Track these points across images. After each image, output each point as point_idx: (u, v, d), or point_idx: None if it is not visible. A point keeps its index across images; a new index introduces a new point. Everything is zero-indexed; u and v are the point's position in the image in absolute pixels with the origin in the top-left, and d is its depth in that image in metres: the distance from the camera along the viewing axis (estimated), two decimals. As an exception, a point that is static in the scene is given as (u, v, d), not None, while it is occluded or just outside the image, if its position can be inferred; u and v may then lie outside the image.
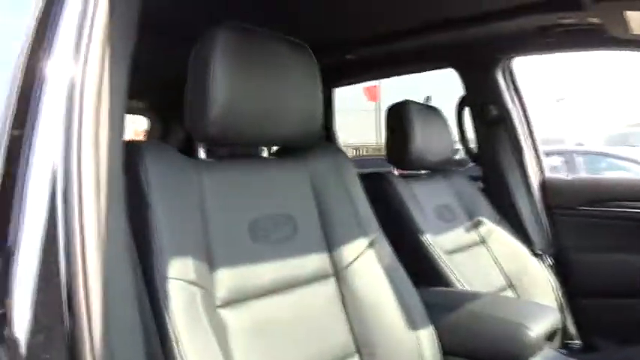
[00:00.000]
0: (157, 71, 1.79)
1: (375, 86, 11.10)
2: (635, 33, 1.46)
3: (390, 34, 1.79)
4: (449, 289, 1.49)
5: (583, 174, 5.65)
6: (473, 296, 1.30)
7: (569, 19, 1.55)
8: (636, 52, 1.58)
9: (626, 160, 6.44)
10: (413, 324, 1.13)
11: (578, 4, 1.42)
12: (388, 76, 2.32)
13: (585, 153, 7.06)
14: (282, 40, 1.10)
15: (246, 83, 1.00)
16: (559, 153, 6.56)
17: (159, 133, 2.69)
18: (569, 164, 6.24)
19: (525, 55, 1.91)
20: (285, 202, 1.12)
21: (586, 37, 1.59)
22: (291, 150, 1.21)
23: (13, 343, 0.62)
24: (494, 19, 1.62)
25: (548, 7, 1.52)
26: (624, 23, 1.44)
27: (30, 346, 0.62)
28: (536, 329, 1.14)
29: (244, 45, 1.01)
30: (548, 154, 6.22)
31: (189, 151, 1.06)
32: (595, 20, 1.49)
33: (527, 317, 1.17)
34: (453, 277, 1.53)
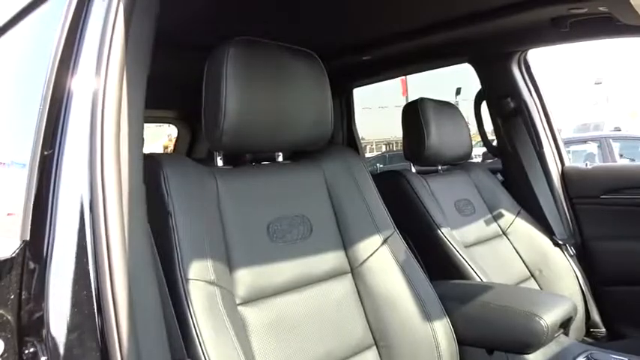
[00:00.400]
0: (183, 82, 1.89)
1: (403, 80, 11.05)
2: (645, 20, 1.46)
3: (404, 33, 1.83)
4: (464, 281, 1.52)
5: (619, 161, 5.52)
6: (487, 288, 1.33)
7: (580, 9, 1.55)
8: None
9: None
10: (428, 316, 1.17)
11: None
12: (406, 74, 2.35)
13: (622, 138, 6.88)
14: (290, 50, 1.15)
15: (257, 94, 1.06)
16: (594, 139, 6.42)
17: (187, 141, 2.78)
18: (606, 150, 6.10)
19: (539, 46, 1.91)
20: (300, 204, 1.18)
21: (598, 26, 1.59)
22: (305, 153, 1.27)
23: (50, 341, 0.70)
24: (507, 13, 1.64)
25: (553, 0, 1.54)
26: (632, 11, 1.44)
27: (65, 343, 0.69)
28: (549, 318, 1.16)
29: (254, 57, 1.07)
30: (584, 141, 6.09)
31: (209, 159, 1.14)
32: (605, 9, 1.49)
33: (539, 307, 1.20)
34: (471, 270, 1.56)
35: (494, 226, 1.87)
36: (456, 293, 1.30)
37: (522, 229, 1.88)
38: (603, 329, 1.76)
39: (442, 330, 1.17)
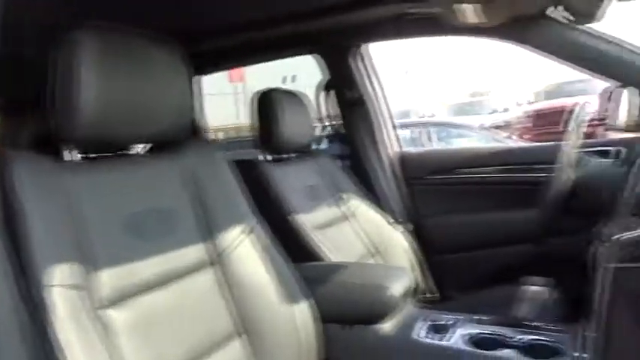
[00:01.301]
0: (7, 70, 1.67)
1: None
2: (468, 22, 1.66)
3: (251, 22, 1.84)
4: (323, 262, 1.61)
5: (435, 146, 6.23)
6: (343, 267, 1.42)
7: (417, 9, 1.72)
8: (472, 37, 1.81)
9: (468, 128, 7.19)
10: (292, 298, 1.22)
11: None
12: (254, 63, 2.36)
13: (437, 124, 7.75)
14: (147, 36, 1.09)
15: (113, 82, 0.99)
16: (415, 125, 7.14)
17: (12, 130, 2.47)
18: (425, 136, 6.81)
19: (380, 40, 2.07)
20: (161, 198, 1.13)
21: (432, 24, 1.77)
22: (165, 145, 1.22)
23: None
24: (352, 9, 1.74)
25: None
26: (459, 14, 1.64)
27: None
28: (395, 289, 1.29)
29: (108, 44, 1.00)
30: (407, 126, 6.72)
31: (50, 151, 1.04)
32: (439, 10, 1.67)
33: (387, 279, 1.31)
34: (324, 252, 1.65)
35: (340, 210, 1.98)
36: (317, 275, 1.36)
37: (365, 211, 2.03)
38: (438, 294, 2.00)
39: (305, 310, 1.23)
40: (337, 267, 1.43)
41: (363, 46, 2.12)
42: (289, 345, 1.19)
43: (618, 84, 1.62)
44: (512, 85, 18.05)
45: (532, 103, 12.88)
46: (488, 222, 2.02)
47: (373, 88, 2.16)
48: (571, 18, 1.72)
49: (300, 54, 2.18)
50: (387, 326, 1.30)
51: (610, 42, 1.65)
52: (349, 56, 2.10)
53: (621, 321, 0.99)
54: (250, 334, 1.19)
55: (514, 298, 1.39)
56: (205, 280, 1.17)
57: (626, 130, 1.57)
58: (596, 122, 1.82)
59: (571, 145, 1.50)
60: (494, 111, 13.24)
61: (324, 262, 1.62)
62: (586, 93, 11.35)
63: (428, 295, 1.98)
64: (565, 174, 1.48)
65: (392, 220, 2.02)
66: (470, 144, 6.36)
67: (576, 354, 1.12)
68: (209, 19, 1.84)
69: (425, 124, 7.03)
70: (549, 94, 12.40)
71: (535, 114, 11.74)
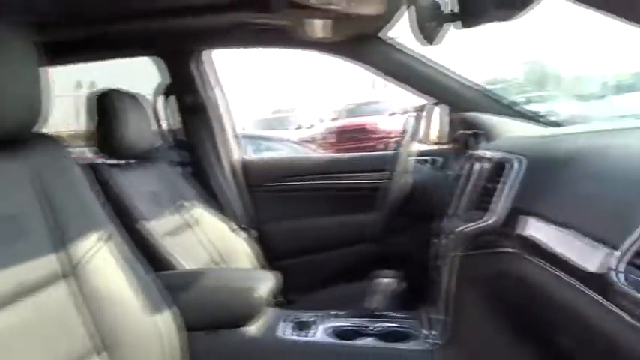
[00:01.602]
0: None
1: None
2: (314, 36, 1.77)
3: (95, 16, 1.70)
4: (183, 270, 1.55)
5: (275, 155, 6.36)
6: (204, 273, 1.39)
7: (262, 19, 1.76)
8: (315, 52, 1.92)
9: (280, 141, 7.52)
10: (154, 309, 1.15)
11: (269, 7, 1.64)
12: (99, 59, 2.16)
13: (248, 137, 7.95)
14: None
15: None
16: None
17: None
18: (242, 147, 6.92)
19: (224, 48, 2.08)
20: (5, 203, 0.99)
21: (277, 36, 1.84)
22: (7, 146, 1.07)
23: None
24: (196, 13, 1.72)
25: (242, 7, 1.70)
26: (306, 28, 1.74)
27: None
28: (261, 290, 1.31)
29: None
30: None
31: None
32: (284, 22, 1.74)
33: (252, 281, 1.33)
34: (177, 259, 1.59)
35: (184, 218, 1.93)
36: (179, 282, 1.32)
37: (210, 218, 2.00)
38: (282, 298, 2.05)
39: (169, 321, 1.18)
40: (199, 273, 1.39)
41: (206, 52, 2.10)
42: (153, 357, 1.13)
43: (433, 101, 1.89)
44: (314, 103, 19.32)
45: (335, 120, 13.99)
46: (329, 226, 2.14)
47: (215, 95, 2.15)
48: (398, 41, 1.95)
49: (141, 55, 2.07)
50: (252, 328, 1.31)
51: (428, 65, 1.92)
52: (191, 61, 2.06)
53: (467, 302, 1.16)
54: (111, 349, 1.09)
55: (366, 292, 1.51)
56: (59, 294, 1.04)
57: (438, 142, 1.83)
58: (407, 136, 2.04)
59: (406, 153, 1.69)
60: (300, 127, 14.02)
61: (182, 269, 1.56)
62: (380, 113, 12.84)
63: (273, 300, 2.02)
64: (403, 179, 1.66)
65: (235, 227, 2.03)
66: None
67: (427, 335, 1.27)
68: (55, 8, 1.65)
69: (237, 137, 7.14)
70: (350, 113, 13.64)
71: (338, 130, 12.81)
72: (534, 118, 1.86)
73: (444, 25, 1.12)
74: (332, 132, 12.92)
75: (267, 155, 6.71)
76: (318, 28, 1.70)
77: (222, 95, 2.18)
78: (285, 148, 7.29)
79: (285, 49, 1.95)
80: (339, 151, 10.80)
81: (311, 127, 14.41)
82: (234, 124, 2.24)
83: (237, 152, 2.23)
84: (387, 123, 12.69)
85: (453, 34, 1.19)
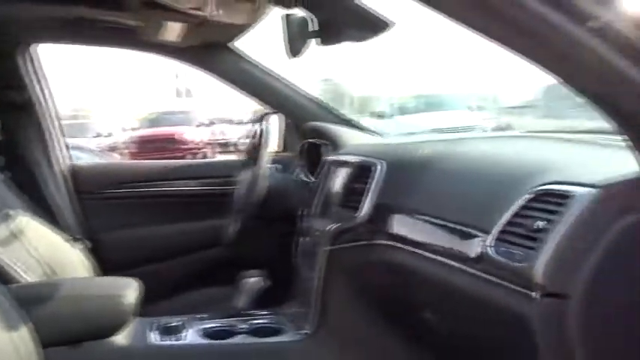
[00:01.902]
0: None
1: None
2: (165, 40, 1.74)
3: None
4: (39, 282, 1.39)
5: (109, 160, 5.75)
6: (61, 283, 1.28)
7: (110, 17, 1.67)
8: (160, 56, 1.88)
9: (79, 149, 6.97)
10: (8, 325, 1.03)
11: (121, 6, 1.57)
12: None
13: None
14: None
15: None
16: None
17: None
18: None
19: (54, 42, 1.90)
20: None
21: (120, 35, 1.76)
22: None
23: None
24: (21, 1, 1.56)
25: (90, 2, 1.60)
26: (158, 31, 1.70)
27: None
28: (130, 297, 1.25)
29: None
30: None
31: None
32: (135, 23, 1.68)
33: (118, 289, 1.27)
34: (17, 272, 1.42)
35: (9, 228, 1.71)
36: (33, 295, 1.19)
37: (36, 228, 1.81)
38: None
39: (25, 337, 1.07)
40: (55, 284, 1.27)
41: (34, 47, 1.89)
42: None
43: (273, 110, 2.00)
44: (114, 109, 18.14)
45: (136, 129, 13.36)
46: (172, 233, 2.07)
47: (43, 94, 1.94)
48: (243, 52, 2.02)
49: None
50: (120, 338, 1.25)
51: (273, 76, 2.03)
52: (13, 55, 1.84)
53: (335, 292, 1.28)
54: None
55: (231, 294, 1.52)
56: None
57: (277, 149, 1.95)
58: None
59: (261, 160, 1.75)
60: (99, 134, 13.09)
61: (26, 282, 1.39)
62: (186, 123, 12.65)
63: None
64: (257, 185, 1.72)
65: (68, 237, 1.86)
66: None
67: (295, 327, 1.36)
68: None
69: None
70: (153, 122, 13.17)
71: (141, 139, 12.27)
72: (362, 128, 2.07)
73: (308, 41, 1.22)
74: (134, 141, 12.33)
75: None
76: (171, 31, 1.67)
77: (49, 94, 1.98)
78: (86, 157, 6.78)
79: (129, 50, 1.88)
80: (143, 160, 10.39)
81: (110, 135, 13.52)
82: (61, 126, 2.05)
83: (66, 156, 2.05)
84: (195, 133, 12.61)
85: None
